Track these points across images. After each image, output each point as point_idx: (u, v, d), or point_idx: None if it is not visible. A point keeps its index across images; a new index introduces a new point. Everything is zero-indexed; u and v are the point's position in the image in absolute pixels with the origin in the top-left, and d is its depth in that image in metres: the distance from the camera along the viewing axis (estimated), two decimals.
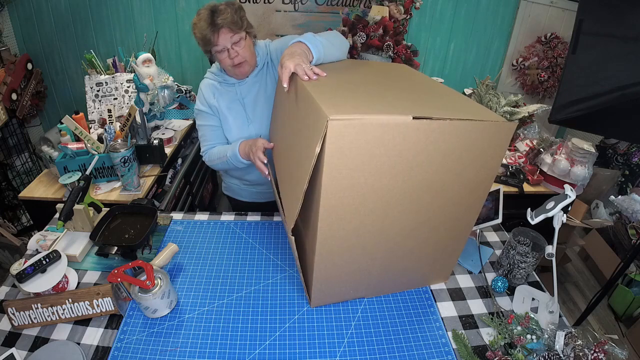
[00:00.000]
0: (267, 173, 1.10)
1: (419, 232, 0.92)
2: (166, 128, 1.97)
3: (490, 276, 1.13)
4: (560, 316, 1.00)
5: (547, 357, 0.82)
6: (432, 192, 0.85)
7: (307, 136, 0.79)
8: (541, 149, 1.79)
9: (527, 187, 1.71)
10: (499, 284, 1.06)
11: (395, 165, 0.77)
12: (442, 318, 0.99)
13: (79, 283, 1.06)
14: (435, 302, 1.04)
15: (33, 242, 1.17)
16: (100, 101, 1.94)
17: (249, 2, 2.58)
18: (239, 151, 1.20)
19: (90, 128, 1.88)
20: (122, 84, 1.95)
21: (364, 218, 0.83)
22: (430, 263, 1.02)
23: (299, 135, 0.87)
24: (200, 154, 1.38)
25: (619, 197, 2.20)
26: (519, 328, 0.91)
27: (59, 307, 0.92)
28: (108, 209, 1.25)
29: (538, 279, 1.13)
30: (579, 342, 0.83)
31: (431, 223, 0.92)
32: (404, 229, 0.90)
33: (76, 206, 1.15)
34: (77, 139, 1.56)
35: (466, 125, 0.77)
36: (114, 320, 0.95)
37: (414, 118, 0.72)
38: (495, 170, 0.88)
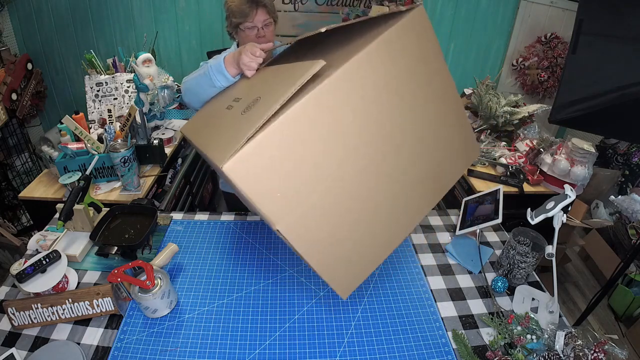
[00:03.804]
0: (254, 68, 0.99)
1: (407, 150, 0.84)
2: (166, 128, 1.97)
3: (490, 276, 1.13)
4: (560, 316, 1.00)
5: (547, 357, 0.82)
6: (397, 128, 0.80)
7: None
8: (541, 149, 1.79)
9: (527, 187, 1.71)
10: (499, 284, 1.06)
11: (338, 140, 0.72)
12: (442, 318, 0.99)
13: (79, 283, 1.05)
14: (435, 302, 1.04)
15: (33, 242, 1.17)
16: (100, 101, 1.94)
17: None
18: (225, 61, 1.04)
19: (90, 128, 1.88)
20: (122, 84, 1.95)
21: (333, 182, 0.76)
22: (445, 153, 0.93)
23: None
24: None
25: (619, 197, 2.20)
26: (519, 328, 0.91)
27: (59, 307, 0.92)
28: (108, 209, 1.25)
29: (538, 279, 1.13)
30: (579, 342, 0.83)
31: (416, 135, 0.84)
32: (389, 162, 0.82)
33: (76, 206, 1.15)
34: (77, 139, 1.56)
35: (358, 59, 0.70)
36: (114, 320, 0.95)
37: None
38: (440, 58, 0.83)
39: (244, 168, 0.65)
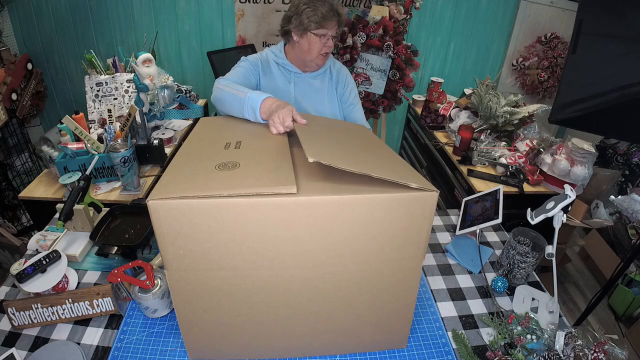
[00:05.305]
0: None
1: (336, 308, 0.82)
2: (166, 128, 1.97)
3: (490, 276, 1.13)
4: (560, 316, 1.00)
5: (547, 357, 0.82)
6: (340, 276, 0.77)
7: None
8: (541, 149, 1.79)
9: (527, 187, 1.71)
10: (499, 284, 1.06)
11: (273, 248, 0.71)
12: (442, 318, 0.99)
13: (79, 283, 1.06)
14: (435, 302, 1.04)
15: (33, 242, 1.17)
16: (100, 101, 1.94)
17: (249, 2, 2.58)
18: (262, 103, 1.03)
19: (90, 128, 1.88)
20: (122, 84, 1.95)
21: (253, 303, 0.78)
22: (367, 332, 0.89)
23: None
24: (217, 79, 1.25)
25: (619, 197, 2.20)
26: (519, 328, 0.91)
27: (59, 307, 0.92)
28: (108, 209, 1.25)
29: (538, 279, 1.13)
30: (579, 342, 0.83)
31: (350, 301, 0.82)
32: (314, 313, 0.82)
33: (76, 206, 1.15)
34: (77, 139, 1.56)
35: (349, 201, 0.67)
36: (114, 320, 0.95)
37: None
38: (424, 244, 0.77)
39: (164, 214, 0.66)
